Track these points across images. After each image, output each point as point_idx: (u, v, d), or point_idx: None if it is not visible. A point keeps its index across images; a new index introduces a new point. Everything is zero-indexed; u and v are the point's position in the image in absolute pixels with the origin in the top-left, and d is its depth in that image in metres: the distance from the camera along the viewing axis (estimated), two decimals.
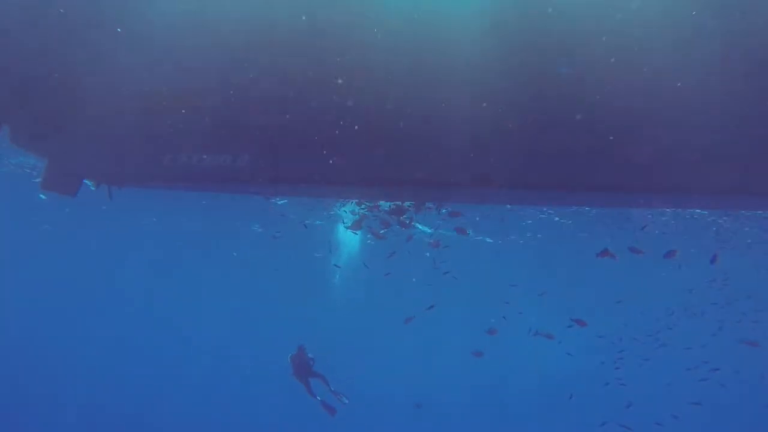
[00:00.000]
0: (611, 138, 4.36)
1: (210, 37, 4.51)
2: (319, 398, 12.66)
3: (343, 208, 15.08)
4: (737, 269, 15.89)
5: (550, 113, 4.35)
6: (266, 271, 26.85)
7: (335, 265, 19.89)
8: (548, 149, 4.63)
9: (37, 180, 14.45)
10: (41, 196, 17.86)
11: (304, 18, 4.18)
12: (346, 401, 12.78)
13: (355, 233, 15.77)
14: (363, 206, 12.48)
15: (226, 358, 44.84)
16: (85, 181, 7.42)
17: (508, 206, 13.91)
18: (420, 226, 16.15)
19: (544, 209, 14.17)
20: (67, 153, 6.25)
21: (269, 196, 13.97)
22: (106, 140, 5.91)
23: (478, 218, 15.80)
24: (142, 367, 42.28)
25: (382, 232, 12.55)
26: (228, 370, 44.41)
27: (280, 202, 16.29)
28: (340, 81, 4.58)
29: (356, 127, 4.95)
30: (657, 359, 22.41)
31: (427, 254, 15.01)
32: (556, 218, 14.84)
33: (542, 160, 4.79)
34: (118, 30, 4.56)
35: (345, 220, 15.73)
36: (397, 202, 9.67)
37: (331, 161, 5.49)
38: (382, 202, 10.44)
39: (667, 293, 20.18)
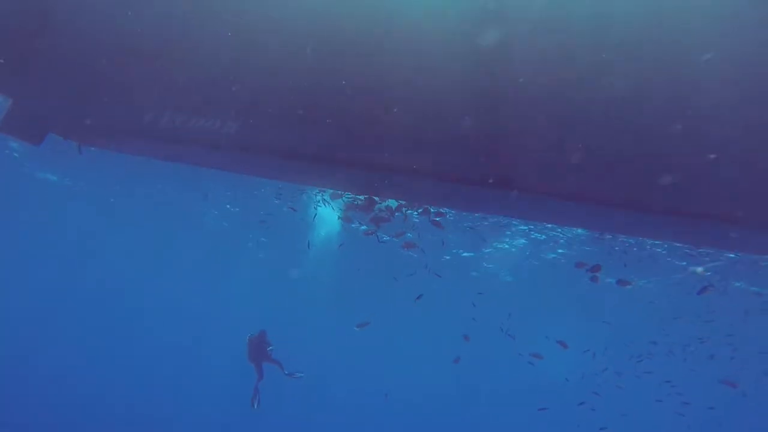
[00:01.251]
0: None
1: None
2: (253, 389, 13.25)
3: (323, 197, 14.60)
4: (721, 308, 15.68)
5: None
6: (244, 257, 26.25)
7: (307, 243, 19.68)
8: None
9: None
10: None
11: None
12: (301, 375, 14.07)
13: (349, 223, 15.31)
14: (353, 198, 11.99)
15: (198, 347, 44.18)
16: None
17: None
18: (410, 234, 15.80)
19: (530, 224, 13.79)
20: (34, 94, 5.68)
21: (255, 175, 13.46)
22: (79, 85, 5.36)
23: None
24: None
25: (373, 229, 12.13)
26: (198, 359, 43.82)
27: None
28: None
29: (354, 106, 4.60)
30: (632, 388, 22.22)
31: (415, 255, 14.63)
32: (542, 236, 14.51)
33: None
34: None
35: (318, 208, 15.39)
36: (378, 199, 9.24)
37: (326, 139, 5.07)
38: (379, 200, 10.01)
39: (650, 322, 19.98)
